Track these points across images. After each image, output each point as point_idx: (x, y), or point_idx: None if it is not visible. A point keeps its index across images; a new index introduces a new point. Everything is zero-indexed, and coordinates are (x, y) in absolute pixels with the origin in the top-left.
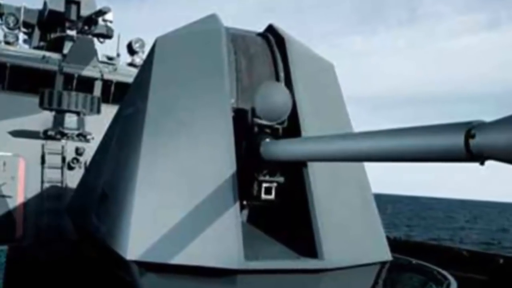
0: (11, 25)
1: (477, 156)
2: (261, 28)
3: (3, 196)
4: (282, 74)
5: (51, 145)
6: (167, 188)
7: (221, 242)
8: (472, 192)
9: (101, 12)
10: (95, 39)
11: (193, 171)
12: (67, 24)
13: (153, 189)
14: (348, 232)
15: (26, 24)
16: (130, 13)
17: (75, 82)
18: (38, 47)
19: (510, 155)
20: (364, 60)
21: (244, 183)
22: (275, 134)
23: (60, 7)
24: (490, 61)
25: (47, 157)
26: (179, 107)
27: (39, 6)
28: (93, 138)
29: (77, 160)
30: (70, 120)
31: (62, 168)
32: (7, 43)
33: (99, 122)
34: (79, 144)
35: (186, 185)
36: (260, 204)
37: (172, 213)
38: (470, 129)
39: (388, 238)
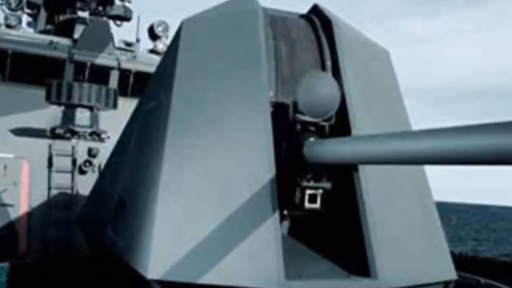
0: (13, 5)
1: None
2: (304, 9)
3: (4, 205)
4: (328, 63)
5: (60, 145)
6: (194, 196)
7: (258, 259)
8: None
9: None
10: (111, 22)
11: (224, 176)
12: (78, 4)
13: (178, 197)
14: (406, 247)
15: (30, 4)
16: None
17: (87, 72)
18: (44, 31)
19: None
20: (425, 47)
21: (284, 189)
22: (320, 133)
23: None
24: None
25: (55, 159)
26: (208, 102)
27: None
28: (108, 137)
29: (90, 163)
30: (82, 116)
31: (72, 172)
32: (9, 26)
33: (116, 119)
34: (92, 144)
35: (217, 192)
36: (304, 214)
37: (200, 225)
38: None
39: (452, 253)
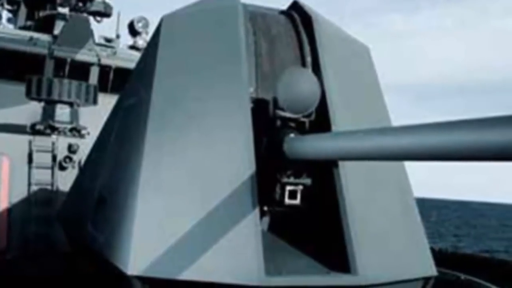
0: None
1: None
2: (284, 5)
3: None
4: (309, 59)
5: (40, 141)
6: (174, 192)
7: (238, 255)
8: None
9: None
10: (91, 18)
11: (205, 172)
12: (58, 0)
13: (159, 193)
14: (386, 243)
15: (10, 0)
16: None
17: (67, 68)
18: (24, 27)
19: None
20: (406, 43)
21: (264, 186)
22: (301, 129)
23: None
24: None
25: (35, 155)
26: (189, 98)
27: None
28: (88, 133)
29: (70, 159)
30: (62, 112)
31: (52, 168)
32: None
33: (96, 115)
34: (72, 140)
35: (197, 188)
36: (284, 210)
37: (180, 221)
38: None
39: (432, 250)
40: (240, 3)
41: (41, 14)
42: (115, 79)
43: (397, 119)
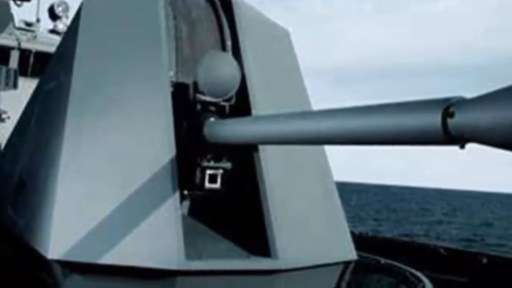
0: None
1: (457, 138)
2: None
3: None
4: (229, 43)
5: None
6: (95, 176)
7: (158, 239)
8: (451, 181)
9: None
10: (11, 2)
11: (125, 156)
12: None
13: (79, 177)
14: (306, 227)
15: None
16: None
17: None
18: None
19: (494, 137)
20: (325, 27)
21: (185, 170)
22: (221, 113)
23: None
24: (473, 27)
25: None
26: (109, 82)
27: None
28: (8, 118)
29: None
30: None
31: None
32: None
33: (16, 99)
34: None
35: (117, 172)
36: (204, 194)
37: (100, 205)
38: (448, 106)
39: (352, 233)
40: None
41: None
42: (35, 63)
43: (317, 103)
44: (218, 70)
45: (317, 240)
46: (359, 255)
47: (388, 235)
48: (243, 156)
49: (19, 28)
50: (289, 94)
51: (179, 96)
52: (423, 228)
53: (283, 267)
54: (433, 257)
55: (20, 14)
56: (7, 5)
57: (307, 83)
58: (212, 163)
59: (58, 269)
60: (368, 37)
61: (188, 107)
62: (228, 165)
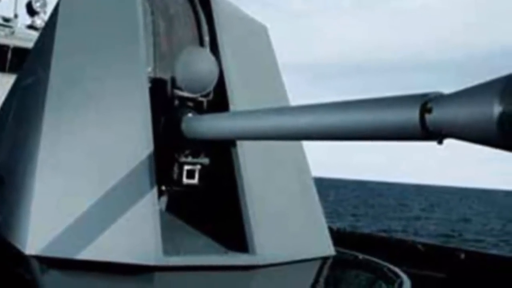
0: None
1: (434, 133)
2: None
3: None
4: (207, 39)
5: None
6: (73, 171)
7: (136, 235)
8: (429, 176)
9: None
10: None
11: (103, 152)
12: None
13: (57, 173)
14: (284, 222)
15: None
16: None
17: None
18: None
19: (472, 132)
20: (303, 22)
21: (162, 165)
22: (199, 108)
23: None
24: (451, 23)
25: None
26: (87, 77)
27: None
28: None
29: None
30: None
31: None
32: None
33: None
34: None
35: (95, 168)
36: (182, 189)
37: (78, 201)
38: (426, 102)
39: (330, 229)
40: None
41: None
42: (13, 59)
43: (295, 99)
44: (196, 66)
45: (295, 235)
46: (337, 251)
47: (366, 230)
48: (221, 152)
49: None
50: (267, 89)
51: (157, 91)
52: (401, 223)
53: (260, 262)
54: (411, 252)
55: None
56: None
57: (285, 78)
58: (190, 159)
59: (36, 265)
60: (346, 33)
61: (166, 103)
62: (206, 160)
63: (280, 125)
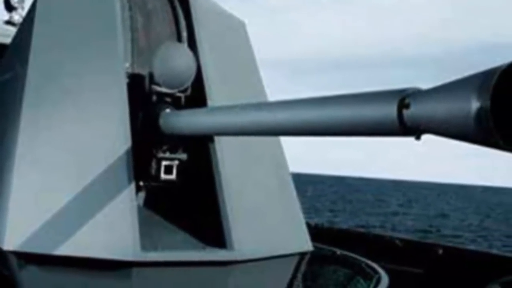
0: None
1: (412, 129)
2: None
3: None
4: (184, 34)
5: None
6: (50, 167)
7: (114, 230)
8: (407, 172)
9: None
10: None
11: (81, 147)
12: None
13: (35, 168)
14: (262, 218)
15: None
16: None
17: None
18: None
19: (449, 128)
20: (281, 18)
21: (140, 161)
22: (176, 104)
23: None
24: (428, 18)
25: None
26: (64, 73)
27: None
28: None
29: None
30: None
31: None
32: None
33: None
34: None
35: (73, 163)
36: (160, 185)
37: (56, 196)
38: (404, 97)
39: (308, 225)
40: None
41: None
42: None
43: (273, 94)
44: (173, 61)
45: (272, 231)
46: (315, 246)
47: (344, 226)
48: (199, 147)
49: None
50: (245, 85)
51: (135, 87)
52: (378, 219)
53: (238, 258)
54: (388, 248)
55: None
56: None
57: (263, 74)
58: (167, 154)
59: (13, 260)
60: (324, 29)
61: (143, 98)
62: (183, 156)
63: (258, 121)
